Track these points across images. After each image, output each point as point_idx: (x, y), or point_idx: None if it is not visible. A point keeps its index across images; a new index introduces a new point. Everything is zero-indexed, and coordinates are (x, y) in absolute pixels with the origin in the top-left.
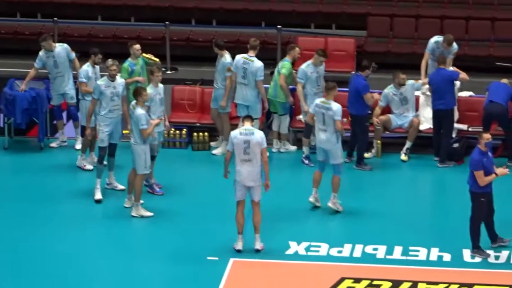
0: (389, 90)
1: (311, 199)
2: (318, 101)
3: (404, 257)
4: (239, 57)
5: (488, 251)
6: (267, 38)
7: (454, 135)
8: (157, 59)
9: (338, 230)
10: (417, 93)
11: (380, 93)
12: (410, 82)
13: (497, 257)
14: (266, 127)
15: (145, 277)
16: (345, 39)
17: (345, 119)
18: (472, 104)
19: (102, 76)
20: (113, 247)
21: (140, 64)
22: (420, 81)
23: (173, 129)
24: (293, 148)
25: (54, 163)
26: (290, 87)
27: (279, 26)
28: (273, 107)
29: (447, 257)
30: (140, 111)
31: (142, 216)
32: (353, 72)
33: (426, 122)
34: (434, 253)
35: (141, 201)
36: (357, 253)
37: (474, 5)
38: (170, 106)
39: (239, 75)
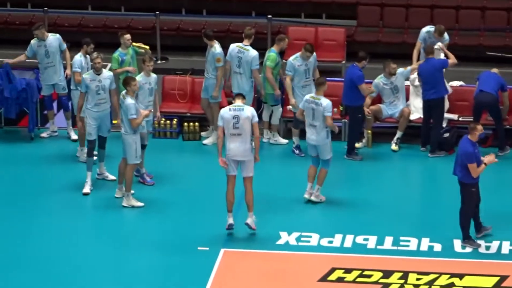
0: (380, 80)
1: (306, 195)
2: (308, 96)
3: (394, 247)
4: (233, 46)
5: (479, 241)
6: (258, 27)
7: (444, 125)
8: (147, 47)
9: (328, 220)
10: (406, 83)
11: (370, 83)
12: (399, 70)
13: (487, 247)
14: None
15: (136, 267)
16: (335, 28)
17: (335, 109)
18: (463, 93)
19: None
20: (103, 237)
21: (130, 54)
22: (408, 68)
23: (163, 119)
24: (284, 141)
25: (45, 153)
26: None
27: (269, 16)
28: (263, 98)
29: (437, 247)
30: (129, 101)
31: (133, 206)
32: (344, 62)
33: (416, 112)
34: (425, 243)
35: (132, 191)
36: (348, 243)
37: None
38: (161, 96)
39: (234, 64)
